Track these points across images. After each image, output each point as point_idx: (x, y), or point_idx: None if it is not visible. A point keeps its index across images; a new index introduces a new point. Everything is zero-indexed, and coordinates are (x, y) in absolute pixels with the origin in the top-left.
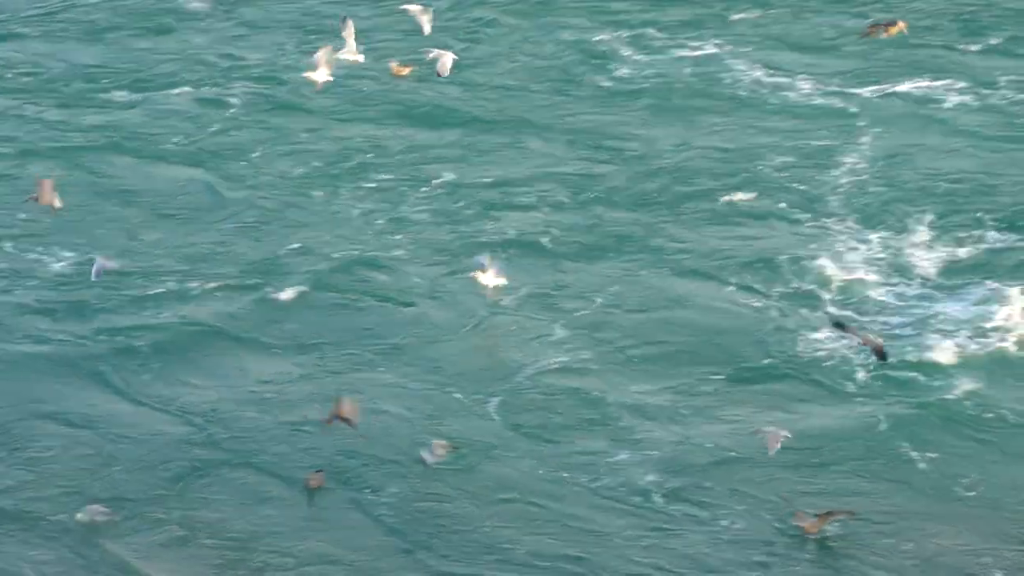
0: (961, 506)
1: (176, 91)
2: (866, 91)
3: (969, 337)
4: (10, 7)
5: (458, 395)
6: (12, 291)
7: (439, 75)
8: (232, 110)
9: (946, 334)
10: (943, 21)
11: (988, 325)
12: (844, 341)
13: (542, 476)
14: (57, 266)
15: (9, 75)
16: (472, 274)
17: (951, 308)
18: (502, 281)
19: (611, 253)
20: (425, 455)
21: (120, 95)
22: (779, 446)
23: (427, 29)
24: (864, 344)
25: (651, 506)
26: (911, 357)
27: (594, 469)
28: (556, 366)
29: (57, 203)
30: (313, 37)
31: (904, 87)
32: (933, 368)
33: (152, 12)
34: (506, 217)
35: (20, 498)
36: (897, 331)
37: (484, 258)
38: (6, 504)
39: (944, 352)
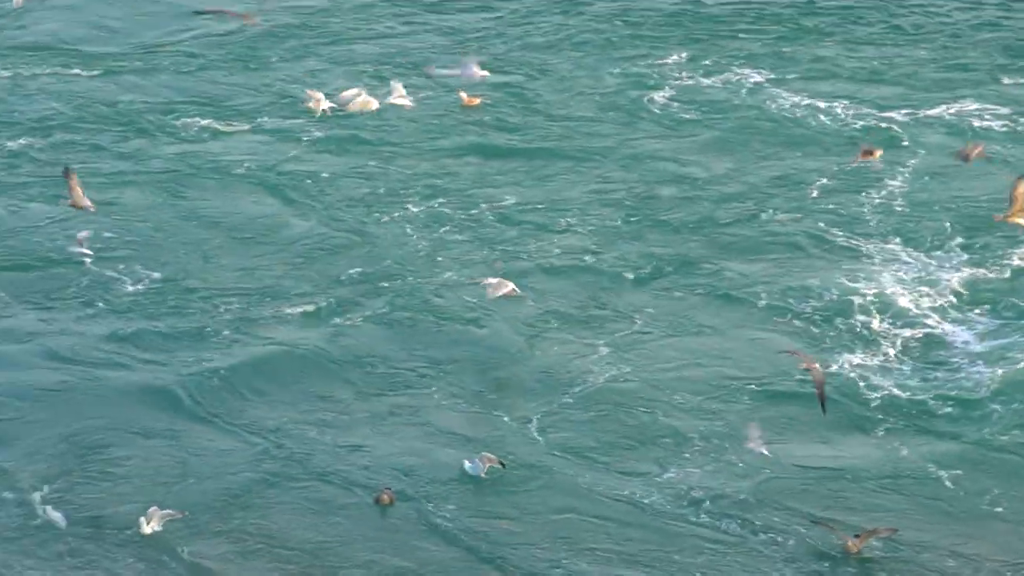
0: (994, 524)
1: (257, 122)
2: (909, 118)
3: (995, 363)
4: (104, 42)
5: (507, 417)
6: (90, 310)
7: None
8: (308, 140)
9: (977, 359)
10: (986, 49)
11: (1016, 352)
12: (875, 362)
13: (594, 493)
14: (131, 287)
15: (100, 108)
16: (482, 281)
17: (982, 332)
18: (510, 287)
19: (655, 275)
20: (472, 466)
21: (205, 125)
22: (760, 441)
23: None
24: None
25: (698, 523)
26: (945, 383)
27: (642, 487)
28: (602, 386)
29: (90, 205)
30: (390, 70)
31: (945, 114)
32: (964, 392)
33: (240, 49)
34: (558, 240)
35: (99, 511)
36: (930, 355)
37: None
38: (87, 515)
39: (976, 376)
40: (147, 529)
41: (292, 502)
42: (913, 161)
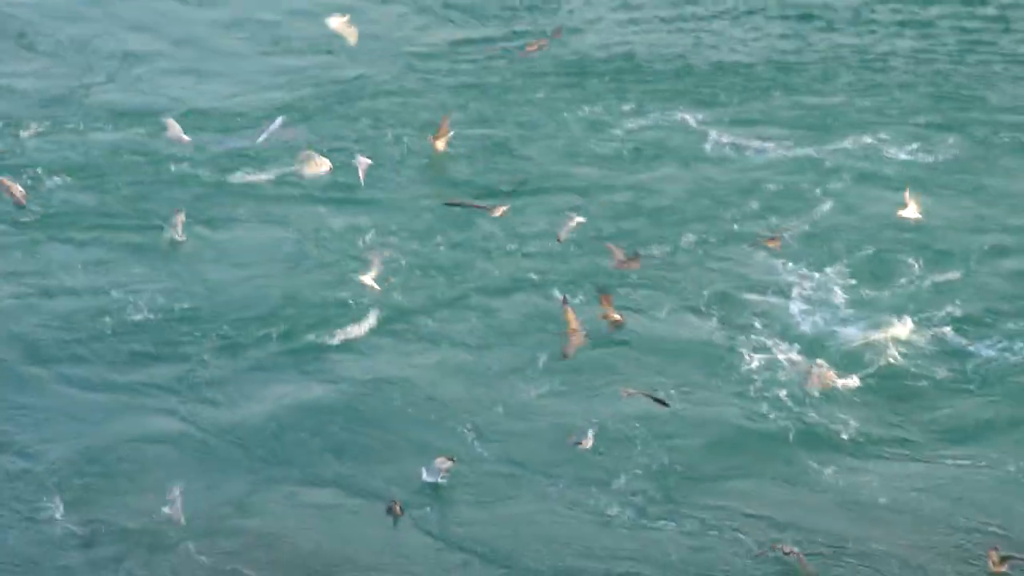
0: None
1: (274, 175)
2: (832, 153)
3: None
4: (170, 108)
5: (465, 428)
6: (106, 336)
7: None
8: (313, 190)
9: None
10: (918, 97)
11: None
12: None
13: (557, 501)
14: (147, 316)
15: (137, 158)
16: (360, 277)
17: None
18: (377, 282)
19: (594, 297)
20: (429, 473)
21: (230, 178)
22: (588, 442)
23: None
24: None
25: (648, 524)
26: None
27: (600, 494)
28: (537, 399)
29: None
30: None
31: (853, 148)
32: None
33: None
34: (506, 264)
35: (113, 521)
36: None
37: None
38: (102, 525)
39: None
40: (165, 524)
41: (293, 507)
42: (837, 186)
